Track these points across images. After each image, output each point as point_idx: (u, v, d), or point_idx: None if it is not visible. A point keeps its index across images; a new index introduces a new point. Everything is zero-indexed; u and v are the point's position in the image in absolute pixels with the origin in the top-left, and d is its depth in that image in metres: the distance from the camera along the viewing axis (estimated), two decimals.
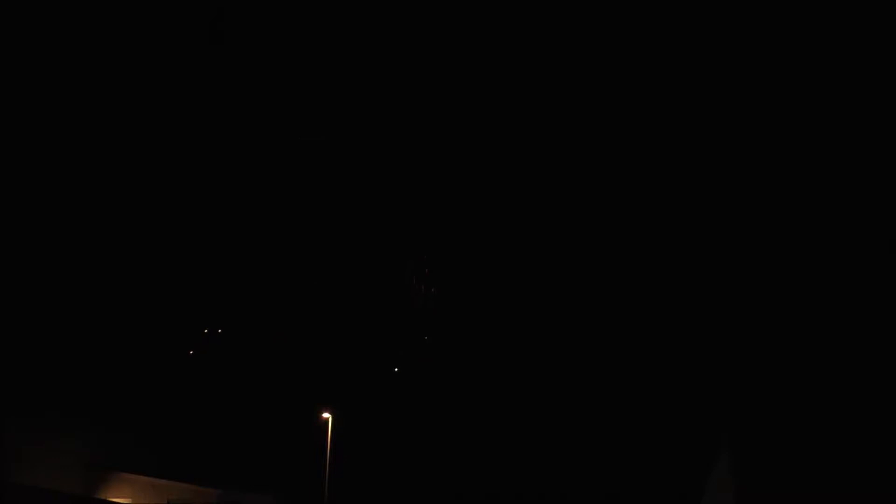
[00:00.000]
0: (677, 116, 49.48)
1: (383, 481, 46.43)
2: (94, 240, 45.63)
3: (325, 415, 42.09)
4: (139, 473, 38.09)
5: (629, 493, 45.65)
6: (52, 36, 44.26)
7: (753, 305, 46.99)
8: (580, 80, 49.78)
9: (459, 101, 49.89)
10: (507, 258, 50.94)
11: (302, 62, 48.87)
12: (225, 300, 49.07)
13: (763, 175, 47.80)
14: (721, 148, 48.64)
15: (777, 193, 47.40)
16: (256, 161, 50.14)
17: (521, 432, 48.18)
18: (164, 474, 39.71)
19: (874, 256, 43.90)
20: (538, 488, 47.63)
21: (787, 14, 45.82)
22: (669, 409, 47.23)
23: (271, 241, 50.17)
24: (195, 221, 48.54)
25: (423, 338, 50.17)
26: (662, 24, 48.74)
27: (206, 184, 48.78)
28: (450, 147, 50.02)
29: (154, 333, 46.37)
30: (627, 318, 49.68)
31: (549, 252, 50.58)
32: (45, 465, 33.25)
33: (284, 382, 48.78)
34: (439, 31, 48.98)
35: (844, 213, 45.58)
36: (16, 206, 42.85)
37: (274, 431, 47.31)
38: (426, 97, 50.04)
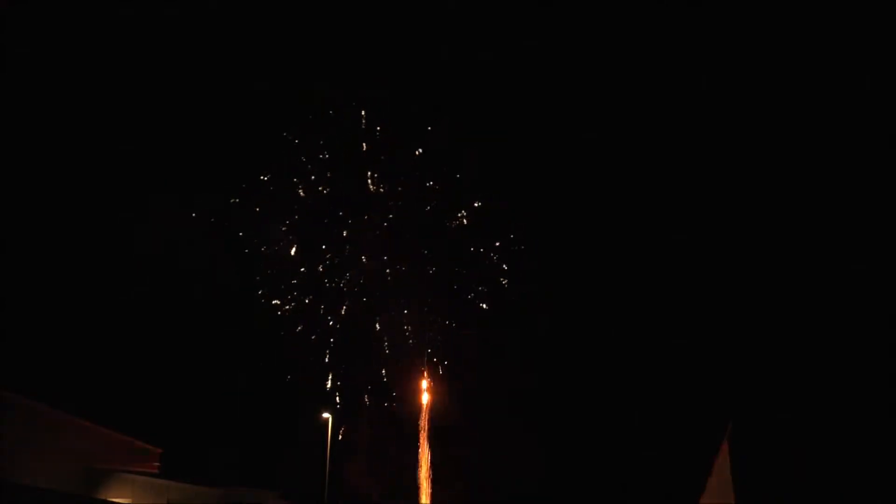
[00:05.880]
0: (677, 116, 49.55)
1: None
2: (94, 238, 45.68)
3: (325, 415, 42.15)
4: (139, 473, 38.04)
5: (630, 491, 45.69)
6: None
7: (754, 305, 47.02)
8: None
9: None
10: (506, 256, 50.92)
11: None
12: (226, 299, 49.12)
13: (762, 175, 47.82)
14: (721, 148, 48.69)
15: (777, 193, 47.44)
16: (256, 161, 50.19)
17: (522, 430, 48.20)
18: (164, 474, 39.73)
19: (873, 256, 43.89)
20: (539, 486, 47.67)
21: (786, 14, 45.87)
22: (670, 407, 47.25)
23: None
24: (198, 222, 48.61)
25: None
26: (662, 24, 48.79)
27: (205, 185, 48.86)
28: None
29: (154, 333, 46.40)
30: (628, 317, 49.75)
31: (553, 250, 50.64)
32: (45, 465, 33.15)
33: (285, 382, 48.79)
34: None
35: (844, 213, 45.60)
36: (17, 206, 42.88)
37: (274, 431, 47.36)
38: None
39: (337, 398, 47.14)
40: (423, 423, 48.39)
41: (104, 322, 44.71)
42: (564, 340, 49.56)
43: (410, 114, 49.36)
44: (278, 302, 48.84)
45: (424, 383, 48.92)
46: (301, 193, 49.34)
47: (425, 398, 48.86)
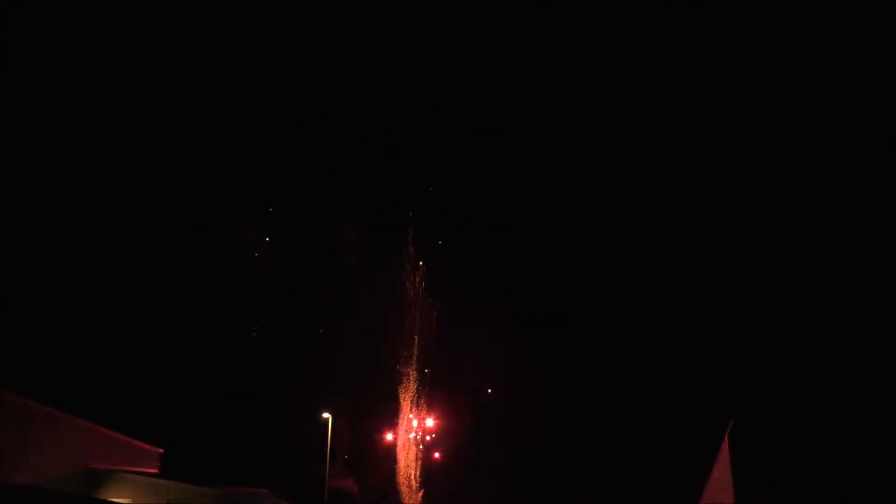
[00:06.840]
0: (677, 116, 49.57)
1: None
2: (95, 239, 45.66)
3: (325, 415, 42.16)
4: (139, 473, 38.00)
5: (630, 491, 45.72)
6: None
7: (753, 305, 47.04)
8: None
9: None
10: (506, 259, 50.97)
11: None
12: (224, 299, 49.17)
13: (762, 175, 47.85)
14: (721, 148, 48.72)
15: (777, 193, 47.46)
16: (257, 163, 50.29)
17: (522, 429, 48.23)
18: (164, 474, 39.67)
19: (873, 256, 43.92)
20: (538, 485, 47.71)
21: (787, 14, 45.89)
22: (670, 407, 47.28)
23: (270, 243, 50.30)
24: (196, 223, 48.64)
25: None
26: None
27: (207, 189, 48.97)
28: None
29: (153, 333, 46.40)
30: (628, 317, 49.76)
31: (553, 252, 50.67)
32: (45, 465, 33.13)
33: (284, 383, 48.84)
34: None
35: (844, 213, 45.63)
36: (17, 206, 42.88)
37: (274, 431, 47.40)
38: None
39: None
40: (406, 420, 48.48)
41: (103, 322, 44.71)
42: (564, 340, 49.57)
43: (410, 114, 49.47)
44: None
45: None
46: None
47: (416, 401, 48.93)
